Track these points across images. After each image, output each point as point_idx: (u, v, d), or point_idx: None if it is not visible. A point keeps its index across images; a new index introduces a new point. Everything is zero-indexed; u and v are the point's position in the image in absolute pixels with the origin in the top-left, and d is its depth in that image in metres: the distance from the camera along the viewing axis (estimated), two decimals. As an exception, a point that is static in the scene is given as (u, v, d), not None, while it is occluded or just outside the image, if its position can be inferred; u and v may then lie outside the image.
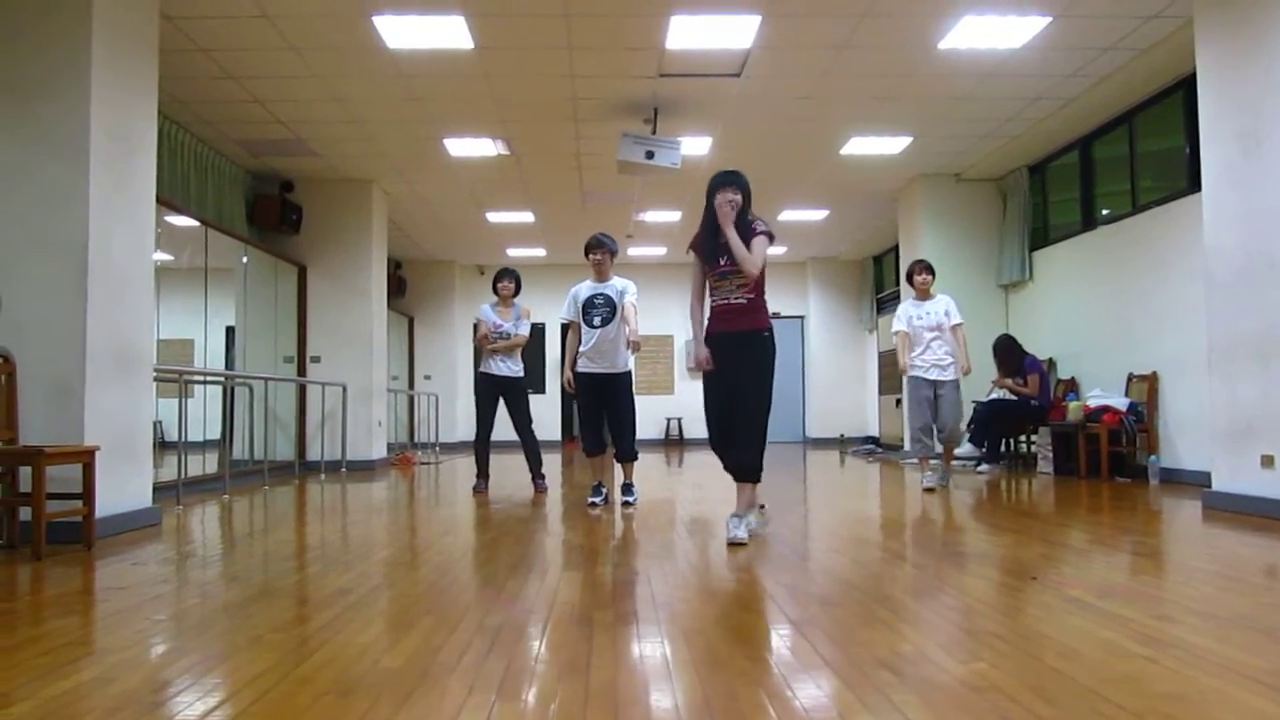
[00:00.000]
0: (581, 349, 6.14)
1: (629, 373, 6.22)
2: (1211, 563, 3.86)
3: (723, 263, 4.44)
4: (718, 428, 4.51)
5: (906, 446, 10.71)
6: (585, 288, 6.22)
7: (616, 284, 6.16)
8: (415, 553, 4.37)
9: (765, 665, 2.33)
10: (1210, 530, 4.85)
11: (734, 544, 4.27)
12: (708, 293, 4.60)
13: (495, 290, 7.37)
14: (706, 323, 4.56)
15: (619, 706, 2.00)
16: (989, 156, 9.62)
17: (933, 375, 6.88)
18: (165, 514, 5.53)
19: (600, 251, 6.16)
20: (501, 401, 7.22)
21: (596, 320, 6.09)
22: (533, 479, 7.28)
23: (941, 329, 6.91)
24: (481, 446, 7.39)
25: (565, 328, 6.48)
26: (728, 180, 4.45)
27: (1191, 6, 5.78)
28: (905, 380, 7.11)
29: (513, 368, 7.20)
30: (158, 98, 5.51)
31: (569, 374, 6.25)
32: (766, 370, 4.43)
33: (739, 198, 4.42)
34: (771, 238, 4.48)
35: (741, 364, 4.41)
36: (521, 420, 7.21)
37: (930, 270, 7.12)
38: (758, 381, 4.41)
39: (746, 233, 4.43)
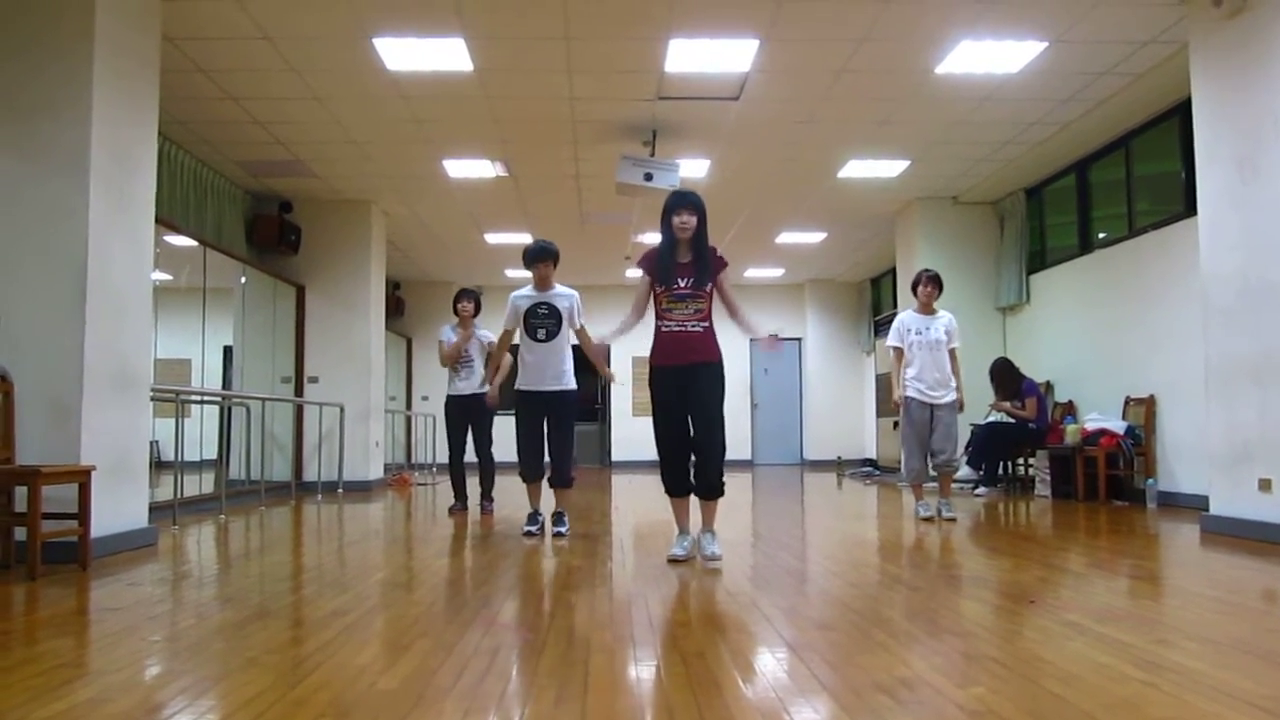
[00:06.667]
0: (523, 365, 5.61)
1: (575, 390, 5.70)
2: (1209, 587, 3.86)
3: (681, 284, 4.36)
4: (673, 458, 4.46)
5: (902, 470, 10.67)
6: (526, 297, 5.62)
7: (562, 292, 5.65)
8: (412, 574, 4.36)
9: (762, 689, 2.33)
10: (1208, 554, 4.85)
11: (714, 559, 4.33)
12: (656, 315, 4.46)
13: (455, 311, 7.22)
14: (652, 348, 4.43)
15: (616, 730, 2.00)
16: (986, 179, 9.67)
17: (928, 397, 6.41)
18: (161, 534, 5.51)
19: (551, 261, 5.63)
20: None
21: (541, 334, 5.54)
22: (481, 500, 7.20)
23: (940, 348, 6.42)
24: (456, 469, 7.32)
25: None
26: (682, 201, 4.39)
27: (1187, 32, 5.84)
28: (902, 400, 6.53)
29: (476, 387, 7.04)
30: (158, 118, 5.53)
31: (495, 391, 5.73)
32: (723, 397, 4.44)
33: (693, 219, 4.35)
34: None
35: (706, 398, 4.37)
36: (482, 440, 7.10)
37: (935, 283, 6.51)
38: (719, 411, 4.41)
39: (706, 254, 4.41)
